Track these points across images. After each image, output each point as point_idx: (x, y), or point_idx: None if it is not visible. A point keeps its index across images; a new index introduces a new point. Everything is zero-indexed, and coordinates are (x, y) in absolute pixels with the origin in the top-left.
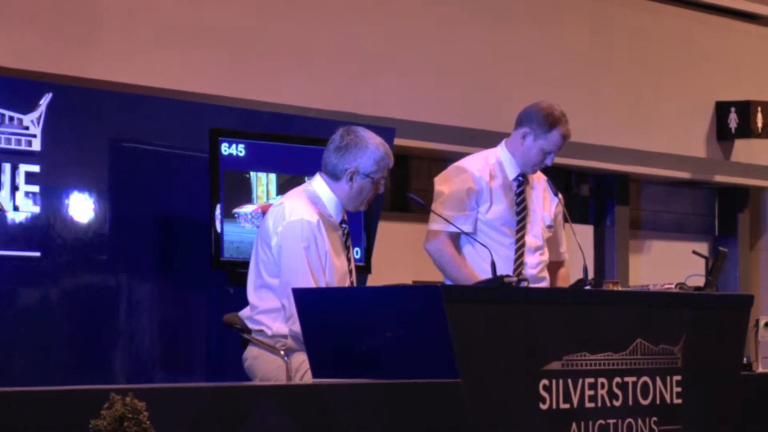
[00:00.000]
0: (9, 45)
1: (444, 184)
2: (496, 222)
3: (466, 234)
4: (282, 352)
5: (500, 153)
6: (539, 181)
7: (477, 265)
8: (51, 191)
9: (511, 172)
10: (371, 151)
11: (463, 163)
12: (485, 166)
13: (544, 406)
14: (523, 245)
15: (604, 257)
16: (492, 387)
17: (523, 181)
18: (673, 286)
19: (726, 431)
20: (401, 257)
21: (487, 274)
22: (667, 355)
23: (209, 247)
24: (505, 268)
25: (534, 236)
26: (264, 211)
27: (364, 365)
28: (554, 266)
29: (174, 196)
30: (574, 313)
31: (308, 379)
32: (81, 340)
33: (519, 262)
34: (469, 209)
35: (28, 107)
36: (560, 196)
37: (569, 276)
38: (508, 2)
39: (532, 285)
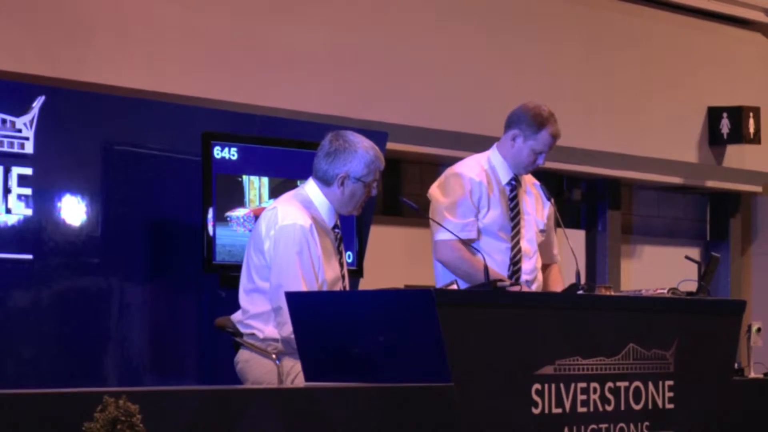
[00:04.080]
0: (2, 47)
1: (445, 191)
2: (492, 227)
3: (472, 241)
4: (274, 356)
5: (492, 157)
6: (532, 185)
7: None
8: (43, 194)
9: (504, 177)
10: (360, 155)
11: (459, 169)
12: (481, 171)
13: (536, 411)
14: (519, 251)
15: (596, 262)
16: (484, 391)
17: (516, 185)
18: (665, 291)
19: None
20: (393, 261)
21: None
22: (659, 360)
23: (201, 251)
24: (501, 274)
25: (528, 241)
26: (256, 215)
27: (356, 369)
28: (546, 267)
29: (166, 200)
30: (567, 318)
31: (300, 382)
32: (73, 342)
33: (516, 268)
34: (473, 215)
35: (21, 110)
36: (552, 200)
37: (563, 276)
38: (501, 8)
39: (525, 290)
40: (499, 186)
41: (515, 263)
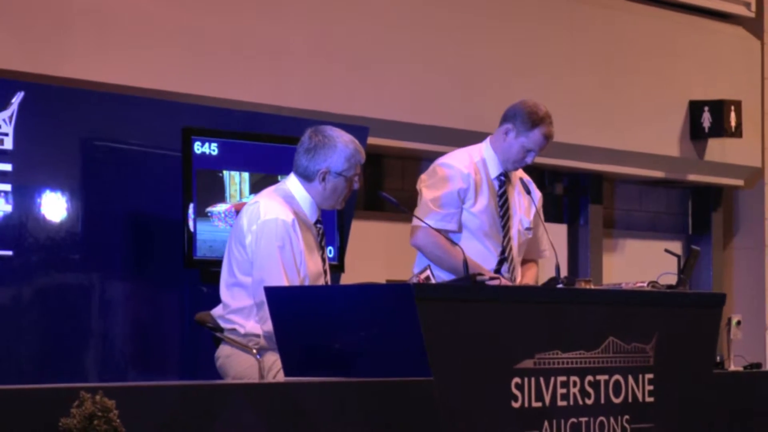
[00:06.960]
0: None
1: (431, 181)
2: (481, 222)
3: (451, 232)
4: (254, 351)
5: (484, 150)
6: (520, 180)
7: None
8: (23, 190)
9: (494, 171)
10: (340, 149)
11: (449, 160)
12: (471, 164)
13: (516, 405)
14: (511, 249)
15: (577, 256)
16: (464, 385)
17: (505, 181)
18: (645, 284)
19: (698, 430)
20: (374, 256)
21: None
22: (639, 353)
23: (182, 246)
24: (481, 266)
25: (513, 241)
26: (237, 210)
27: (336, 364)
28: (528, 263)
29: (147, 195)
30: (547, 312)
31: (280, 378)
32: (53, 339)
33: (503, 266)
34: (455, 207)
35: (0, 106)
36: (540, 194)
37: (537, 275)
38: (483, 2)
39: (506, 283)
40: (488, 180)
41: (503, 261)
